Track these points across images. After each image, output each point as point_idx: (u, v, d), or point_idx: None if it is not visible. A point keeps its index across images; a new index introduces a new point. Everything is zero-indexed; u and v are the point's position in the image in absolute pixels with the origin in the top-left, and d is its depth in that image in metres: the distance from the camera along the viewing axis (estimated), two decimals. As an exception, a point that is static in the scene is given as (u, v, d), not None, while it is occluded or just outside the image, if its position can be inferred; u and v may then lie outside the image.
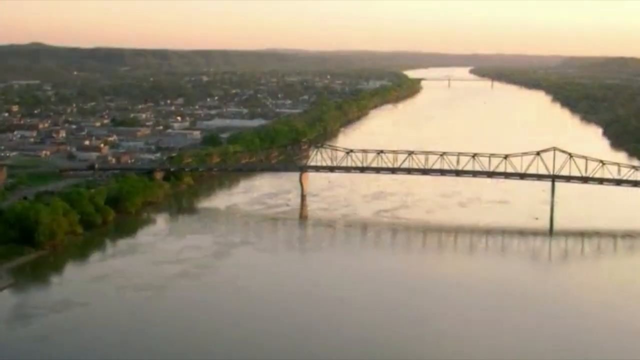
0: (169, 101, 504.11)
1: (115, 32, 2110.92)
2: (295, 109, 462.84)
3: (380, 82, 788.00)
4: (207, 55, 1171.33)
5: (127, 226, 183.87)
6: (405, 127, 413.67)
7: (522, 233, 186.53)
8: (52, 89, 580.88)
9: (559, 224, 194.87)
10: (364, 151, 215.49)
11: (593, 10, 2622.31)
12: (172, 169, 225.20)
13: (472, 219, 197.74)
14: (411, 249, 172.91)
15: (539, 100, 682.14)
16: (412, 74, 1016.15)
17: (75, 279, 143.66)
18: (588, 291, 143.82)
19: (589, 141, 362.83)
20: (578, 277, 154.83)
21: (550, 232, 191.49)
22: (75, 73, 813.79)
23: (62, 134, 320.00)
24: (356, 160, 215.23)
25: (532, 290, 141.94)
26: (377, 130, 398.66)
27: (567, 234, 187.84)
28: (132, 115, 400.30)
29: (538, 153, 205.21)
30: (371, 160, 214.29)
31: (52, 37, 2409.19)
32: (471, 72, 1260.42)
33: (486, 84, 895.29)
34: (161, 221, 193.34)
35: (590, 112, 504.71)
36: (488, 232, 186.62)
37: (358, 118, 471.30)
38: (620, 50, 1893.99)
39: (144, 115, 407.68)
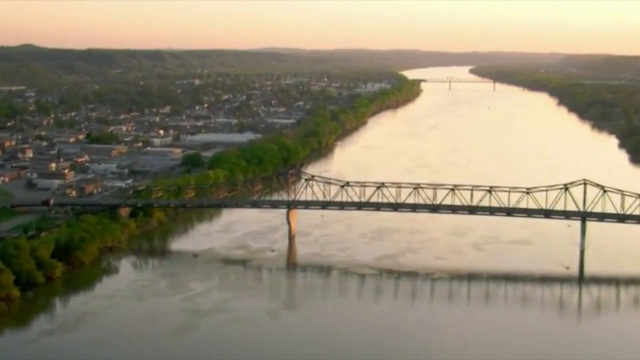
0: (154, 109, 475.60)
1: (109, 33, 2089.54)
2: (289, 119, 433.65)
3: (378, 84, 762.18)
4: (202, 56, 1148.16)
5: (77, 284, 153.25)
6: (406, 139, 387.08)
7: (547, 280, 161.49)
8: (35, 95, 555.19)
9: (590, 269, 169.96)
10: (362, 185, 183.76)
11: (592, 8, 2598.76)
12: (139, 205, 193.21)
13: (489, 264, 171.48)
14: (418, 307, 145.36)
15: (544, 104, 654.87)
16: (411, 74, 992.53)
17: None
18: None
19: (605, 156, 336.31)
20: (613, 336, 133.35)
21: (580, 279, 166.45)
22: (72, 75, 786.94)
23: (29, 153, 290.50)
24: (352, 194, 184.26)
25: (559, 352, 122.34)
26: (375, 144, 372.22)
27: (600, 281, 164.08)
28: (111, 128, 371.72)
29: (566, 188, 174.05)
30: (370, 195, 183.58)
31: (44, 39, 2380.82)
32: (471, 72, 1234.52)
33: (488, 85, 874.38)
34: (121, 274, 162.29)
35: (601, 119, 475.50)
36: (507, 279, 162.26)
37: (356, 128, 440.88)
38: (621, 49, 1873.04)
39: (124, 129, 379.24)
